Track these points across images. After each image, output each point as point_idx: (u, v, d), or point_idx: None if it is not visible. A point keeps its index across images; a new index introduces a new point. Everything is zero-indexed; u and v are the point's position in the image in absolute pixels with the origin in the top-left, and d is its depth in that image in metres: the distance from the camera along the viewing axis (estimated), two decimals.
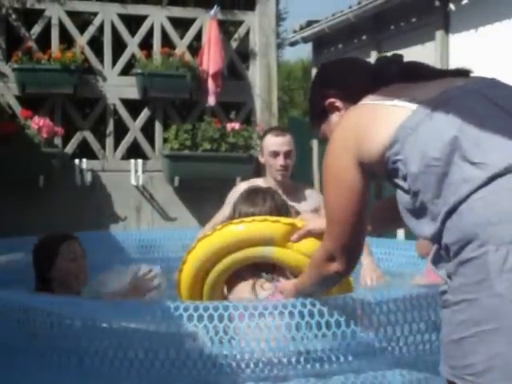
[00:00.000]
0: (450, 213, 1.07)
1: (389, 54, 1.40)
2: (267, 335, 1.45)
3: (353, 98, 1.28)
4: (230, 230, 1.71)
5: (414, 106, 1.14)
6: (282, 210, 1.83)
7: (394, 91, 1.21)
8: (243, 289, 1.72)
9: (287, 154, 2.75)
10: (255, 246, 1.68)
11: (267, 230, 1.67)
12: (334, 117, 1.35)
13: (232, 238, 1.69)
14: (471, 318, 1.03)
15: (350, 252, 1.30)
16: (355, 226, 1.25)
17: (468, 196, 1.06)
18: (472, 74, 1.27)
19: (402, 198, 1.17)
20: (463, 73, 1.26)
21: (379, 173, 1.21)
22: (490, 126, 1.10)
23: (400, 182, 1.16)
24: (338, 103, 1.34)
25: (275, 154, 2.73)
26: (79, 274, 2.34)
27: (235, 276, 1.75)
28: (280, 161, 2.72)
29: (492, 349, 1.01)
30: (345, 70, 1.39)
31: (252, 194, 1.88)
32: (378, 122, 1.17)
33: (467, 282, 1.04)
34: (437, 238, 1.11)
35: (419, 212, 1.14)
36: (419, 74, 1.25)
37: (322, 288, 1.47)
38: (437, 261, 1.12)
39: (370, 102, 1.22)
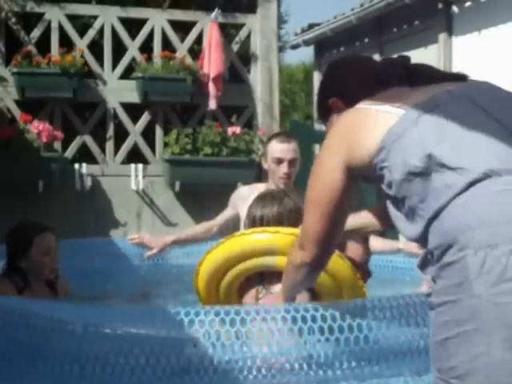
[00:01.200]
0: (433, 218, 1.11)
1: (395, 55, 1.42)
2: (270, 340, 1.45)
3: (354, 99, 1.29)
4: (231, 243, 1.77)
5: (402, 112, 1.17)
6: (295, 214, 1.84)
7: (390, 96, 1.23)
8: (248, 296, 1.80)
9: (292, 162, 2.66)
10: (258, 257, 1.73)
11: (267, 241, 1.72)
12: (336, 116, 1.38)
13: (234, 251, 1.75)
14: (454, 319, 1.05)
15: (317, 245, 1.33)
16: (327, 222, 1.29)
17: (449, 202, 1.09)
18: (471, 78, 1.30)
19: (390, 204, 1.21)
20: (461, 77, 1.28)
21: (370, 176, 1.23)
22: (472, 131, 1.12)
23: (386, 188, 1.19)
24: (340, 103, 1.38)
25: (279, 161, 2.66)
26: (53, 266, 2.35)
27: (246, 283, 1.81)
28: (284, 168, 2.64)
29: (473, 350, 1.02)
30: (349, 70, 1.42)
31: (262, 198, 1.91)
32: (368, 127, 1.20)
33: (449, 285, 1.07)
34: (423, 242, 1.14)
35: (406, 216, 1.17)
36: (421, 77, 1.27)
37: (296, 282, 1.48)
38: (424, 265, 1.14)
39: (363, 106, 1.24)
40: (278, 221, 1.80)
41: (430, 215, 1.11)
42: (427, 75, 1.28)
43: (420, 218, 1.13)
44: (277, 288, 1.74)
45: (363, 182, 1.30)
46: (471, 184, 1.07)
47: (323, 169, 1.27)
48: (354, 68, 1.42)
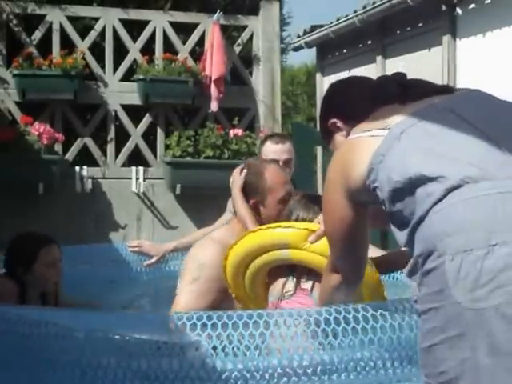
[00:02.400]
0: (417, 226, 1.15)
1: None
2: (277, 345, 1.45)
3: (353, 118, 1.36)
4: (249, 239, 1.87)
5: (386, 133, 1.22)
6: None
7: (382, 116, 1.28)
8: (275, 286, 1.85)
9: (286, 163, 2.64)
10: (273, 250, 1.82)
11: (281, 236, 1.80)
12: (337, 136, 1.45)
13: (251, 246, 1.85)
14: (438, 326, 1.07)
15: (348, 269, 1.42)
16: (350, 249, 1.37)
17: (429, 209, 1.12)
18: (467, 86, 1.36)
19: (389, 220, 1.25)
20: (451, 89, 1.34)
21: (371, 200, 1.28)
22: (453, 141, 1.16)
23: (383, 206, 1.24)
24: (339, 123, 1.44)
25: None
26: (57, 279, 2.29)
27: (275, 272, 1.88)
28: None
29: (459, 355, 1.04)
30: (347, 91, 1.49)
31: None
32: (359, 154, 1.25)
33: (430, 292, 1.09)
34: (411, 250, 1.17)
35: (400, 229, 1.21)
36: (416, 93, 1.31)
37: (336, 296, 1.53)
38: (412, 273, 1.17)
39: (354, 136, 1.30)
40: None
41: (413, 223, 1.15)
42: (421, 90, 1.32)
43: (407, 229, 1.18)
44: (307, 285, 1.79)
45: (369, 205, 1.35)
46: (449, 191, 1.10)
47: (330, 203, 1.35)
48: (352, 88, 1.48)
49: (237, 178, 2.17)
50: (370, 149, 1.22)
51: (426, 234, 1.12)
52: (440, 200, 1.11)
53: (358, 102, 1.38)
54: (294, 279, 1.83)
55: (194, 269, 1.98)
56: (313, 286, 1.80)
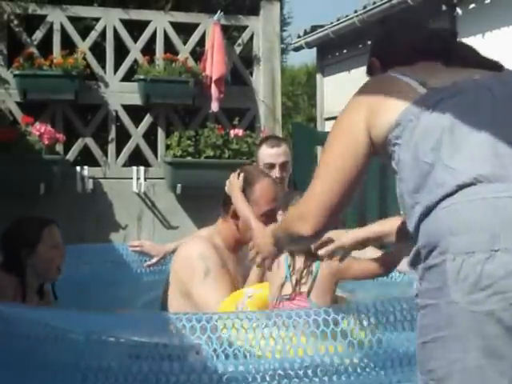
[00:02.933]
0: (423, 217, 1.11)
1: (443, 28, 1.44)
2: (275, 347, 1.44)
3: (390, 63, 1.31)
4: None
5: (423, 91, 1.16)
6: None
7: (421, 70, 1.22)
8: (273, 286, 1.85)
9: (283, 166, 2.65)
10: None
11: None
12: (375, 74, 1.40)
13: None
14: (433, 323, 1.07)
15: (323, 216, 1.24)
16: (342, 190, 1.22)
17: (438, 202, 1.09)
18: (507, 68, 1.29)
19: (397, 185, 1.20)
20: (497, 67, 1.27)
21: (381, 153, 1.21)
22: (480, 128, 1.11)
23: (394, 166, 1.19)
24: (378, 64, 1.40)
25: (270, 167, 2.63)
26: (61, 261, 2.21)
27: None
28: (275, 173, 2.62)
29: (449, 355, 1.04)
30: (394, 35, 1.43)
31: None
32: (391, 97, 1.18)
33: (430, 288, 1.08)
34: (415, 239, 1.15)
35: (404, 204, 1.17)
36: (458, 57, 1.26)
37: (290, 243, 1.50)
38: (414, 264, 1.14)
39: (391, 74, 1.23)
40: None
41: (420, 212, 1.12)
42: (464, 57, 1.27)
43: (414, 214, 1.14)
44: (305, 288, 1.77)
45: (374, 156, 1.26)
46: (460, 187, 1.08)
47: (344, 128, 1.22)
48: (399, 34, 1.43)
49: (235, 181, 2.18)
50: (404, 98, 1.15)
51: (431, 228, 1.10)
52: (450, 195, 1.08)
53: (401, 50, 1.33)
54: (293, 282, 1.80)
55: (198, 265, 1.95)
56: (310, 291, 1.77)
